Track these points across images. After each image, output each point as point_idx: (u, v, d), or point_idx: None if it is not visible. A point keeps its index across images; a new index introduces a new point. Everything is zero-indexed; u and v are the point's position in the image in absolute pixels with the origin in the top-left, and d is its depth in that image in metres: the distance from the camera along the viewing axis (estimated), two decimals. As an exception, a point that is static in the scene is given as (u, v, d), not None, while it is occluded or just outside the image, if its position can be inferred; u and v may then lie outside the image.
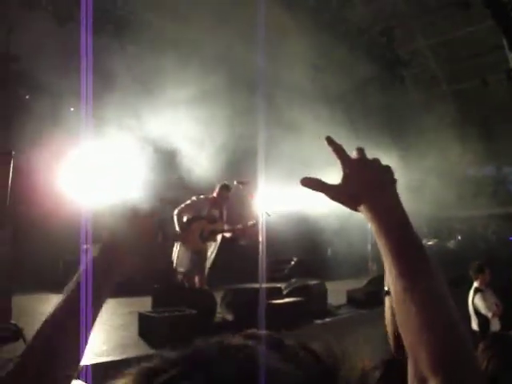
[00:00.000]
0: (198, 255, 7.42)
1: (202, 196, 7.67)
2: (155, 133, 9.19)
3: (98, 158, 9.21)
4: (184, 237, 7.37)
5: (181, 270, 7.35)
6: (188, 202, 7.52)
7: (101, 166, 9.29)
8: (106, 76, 8.48)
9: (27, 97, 10.02)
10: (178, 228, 7.45)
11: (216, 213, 7.69)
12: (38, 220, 8.68)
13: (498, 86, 15.34)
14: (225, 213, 7.81)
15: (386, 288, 1.70)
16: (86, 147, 8.55)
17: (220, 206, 7.74)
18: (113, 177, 9.11)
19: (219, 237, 7.72)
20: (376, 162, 1.13)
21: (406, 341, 0.94)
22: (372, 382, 0.98)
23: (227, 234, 7.75)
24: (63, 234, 8.25)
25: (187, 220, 7.42)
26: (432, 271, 0.97)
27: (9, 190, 6.01)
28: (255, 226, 7.32)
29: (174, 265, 7.37)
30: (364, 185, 1.10)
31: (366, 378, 0.74)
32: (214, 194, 7.72)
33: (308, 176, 1.12)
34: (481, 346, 1.63)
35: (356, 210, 1.09)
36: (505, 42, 14.08)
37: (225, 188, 7.75)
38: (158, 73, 9.09)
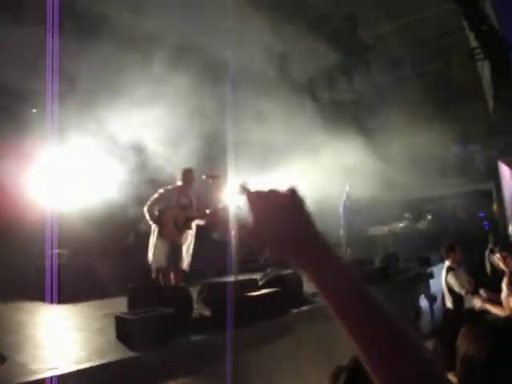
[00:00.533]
0: (175, 248, 7.38)
1: (168, 187, 7.62)
2: (123, 133, 9.11)
3: (64, 160, 9.09)
4: (159, 230, 7.33)
5: (156, 266, 7.29)
6: (155, 195, 7.46)
7: (67, 169, 9.15)
8: (68, 76, 8.34)
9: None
10: (151, 222, 7.40)
11: (185, 200, 7.64)
12: (4, 225, 8.52)
13: (461, 66, 15.55)
14: (194, 200, 7.76)
15: None
16: (52, 150, 8.41)
17: (187, 192, 7.69)
18: (79, 180, 8.95)
19: (194, 225, 7.67)
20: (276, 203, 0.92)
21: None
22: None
23: (201, 221, 7.70)
24: (32, 239, 8.10)
25: (159, 212, 7.37)
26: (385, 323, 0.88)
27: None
28: (225, 209, 7.40)
29: (150, 261, 7.33)
30: (269, 240, 0.92)
31: None
32: (179, 182, 7.66)
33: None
34: (462, 330, 1.65)
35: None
36: (465, 23, 14.29)
37: (187, 172, 7.68)
38: (122, 70, 8.98)
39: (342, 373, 0.99)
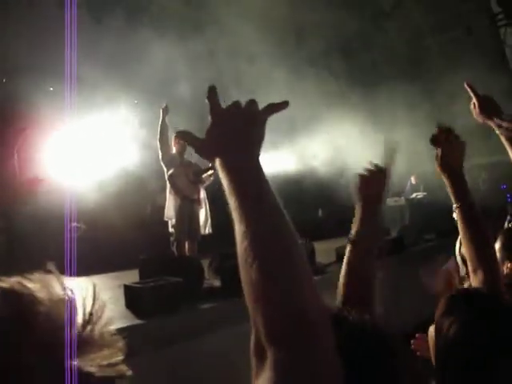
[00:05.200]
0: (190, 208, 7.49)
1: (170, 152, 7.68)
2: (139, 107, 9.11)
3: (82, 135, 9.17)
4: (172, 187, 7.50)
5: (173, 221, 7.45)
6: (168, 168, 7.55)
7: (85, 143, 9.21)
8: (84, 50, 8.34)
9: (4, 80, 9.91)
10: (172, 189, 7.52)
11: (186, 160, 7.77)
12: (23, 200, 8.60)
13: (483, 33, 15.10)
14: (192, 160, 7.85)
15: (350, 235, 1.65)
16: (70, 125, 8.46)
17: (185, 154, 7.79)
18: (97, 155, 8.99)
19: (206, 179, 7.73)
20: (246, 111, 0.98)
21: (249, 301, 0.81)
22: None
23: (209, 176, 7.78)
24: (50, 215, 8.17)
25: (169, 176, 7.51)
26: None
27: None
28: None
29: (166, 217, 7.51)
30: (220, 137, 0.96)
31: None
32: (174, 148, 7.70)
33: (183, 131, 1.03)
34: (441, 305, 1.49)
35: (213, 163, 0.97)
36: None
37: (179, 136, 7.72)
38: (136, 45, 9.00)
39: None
